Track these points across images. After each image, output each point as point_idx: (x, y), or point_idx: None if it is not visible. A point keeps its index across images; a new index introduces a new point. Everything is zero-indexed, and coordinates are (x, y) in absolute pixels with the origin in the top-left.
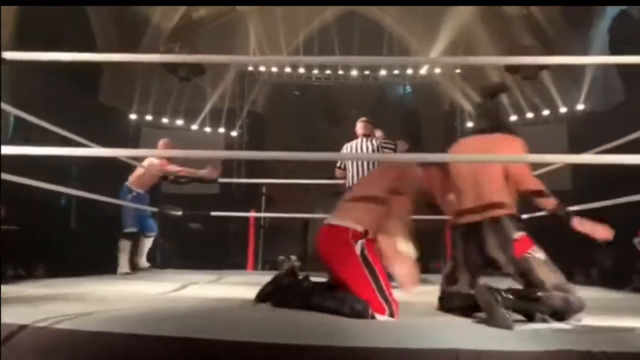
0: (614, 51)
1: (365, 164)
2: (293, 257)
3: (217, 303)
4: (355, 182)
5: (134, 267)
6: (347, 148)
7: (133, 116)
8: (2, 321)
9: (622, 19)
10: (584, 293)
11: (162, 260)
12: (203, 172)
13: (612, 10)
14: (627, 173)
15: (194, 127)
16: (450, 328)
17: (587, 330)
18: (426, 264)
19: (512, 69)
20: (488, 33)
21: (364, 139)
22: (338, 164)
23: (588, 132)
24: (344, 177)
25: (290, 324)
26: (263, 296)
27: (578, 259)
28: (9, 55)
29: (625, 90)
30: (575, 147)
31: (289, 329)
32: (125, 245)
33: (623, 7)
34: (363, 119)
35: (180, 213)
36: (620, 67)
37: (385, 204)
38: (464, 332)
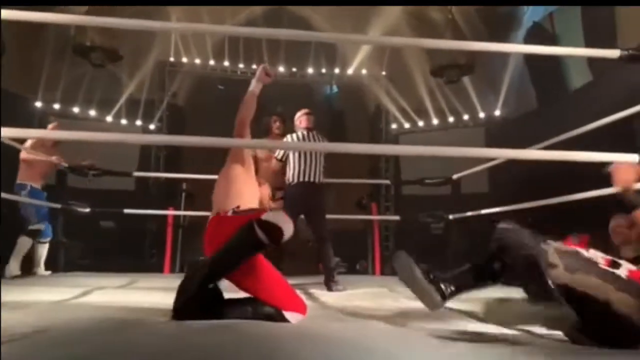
0: (528, 61)
1: (312, 159)
2: None
3: (124, 313)
4: (300, 178)
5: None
6: (291, 140)
7: (38, 104)
8: None
9: (536, 31)
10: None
11: (67, 262)
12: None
13: (527, 22)
14: (539, 178)
15: (109, 118)
16: (406, 342)
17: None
18: (353, 264)
19: (436, 73)
20: (414, 36)
21: (309, 132)
22: (278, 156)
23: (503, 136)
24: (279, 171)
25: (204, 343)
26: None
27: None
28: (7, 14)
29: (537, 98)
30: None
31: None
32: (24, 244)
33: (536, 20)
34: (306, 110)
35: (87, 210)
36: (533, 75)
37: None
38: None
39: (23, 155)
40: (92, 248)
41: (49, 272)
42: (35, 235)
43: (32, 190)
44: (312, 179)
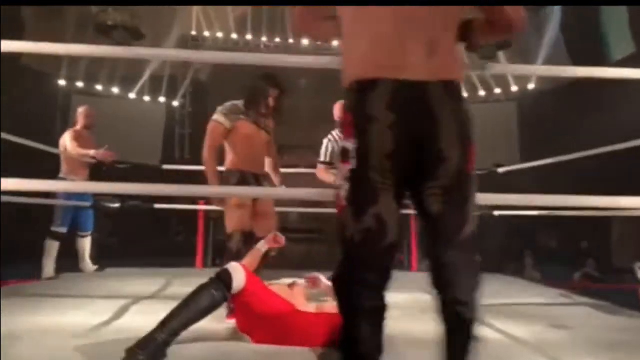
0: (564, 29)
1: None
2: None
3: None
4: None
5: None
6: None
7: (62, 82)
8: None
9: None
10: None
11: (99, 257)
12: (94, 152)
13: None
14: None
15: (132, 95)
16: None
17: None
18: None
19: (471, 48)
20: None
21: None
22: (323, 158)
23: (537, 110)
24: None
25: None
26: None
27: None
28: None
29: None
30: (524, 125)
31: None
32: (51, 247)
33: None
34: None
35: (117, 205)
36: (569, 45)
37: None
38: None
39: (67, 149)
40: (121, 240)
41: (95, 267)
42: (58, 237)
43: None
44: None
